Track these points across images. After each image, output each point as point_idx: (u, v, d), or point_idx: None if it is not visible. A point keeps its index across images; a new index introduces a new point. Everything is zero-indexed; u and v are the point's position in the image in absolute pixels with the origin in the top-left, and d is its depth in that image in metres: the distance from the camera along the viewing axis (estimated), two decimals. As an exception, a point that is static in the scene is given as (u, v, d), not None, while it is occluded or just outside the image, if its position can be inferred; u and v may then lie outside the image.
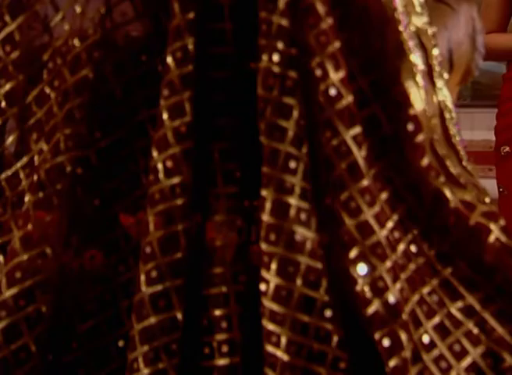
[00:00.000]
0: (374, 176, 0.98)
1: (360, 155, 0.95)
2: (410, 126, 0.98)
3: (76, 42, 1.00)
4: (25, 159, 1.05)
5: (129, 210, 1.04)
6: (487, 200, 1.03)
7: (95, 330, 1.01)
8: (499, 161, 3.08)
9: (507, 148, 3.01)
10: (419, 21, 1.02)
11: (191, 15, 0.97)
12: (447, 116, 1.04)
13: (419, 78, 0.99)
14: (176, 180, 0.95)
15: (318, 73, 0.95)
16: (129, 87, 1.03)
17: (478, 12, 1.37)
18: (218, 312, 0.96)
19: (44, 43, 1.06)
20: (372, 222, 0.94)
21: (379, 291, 0.92)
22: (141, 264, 0.95)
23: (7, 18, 1.06)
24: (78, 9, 1.02)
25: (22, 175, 1.04)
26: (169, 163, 0.95)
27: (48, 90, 1.03)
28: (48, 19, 1.06)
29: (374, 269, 0.92)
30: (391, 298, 0.92)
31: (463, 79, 1.34)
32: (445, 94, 1.04)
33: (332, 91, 0.95)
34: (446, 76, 1.05)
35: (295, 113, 0.95)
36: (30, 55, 1.07)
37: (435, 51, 1.03)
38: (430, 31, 1.04)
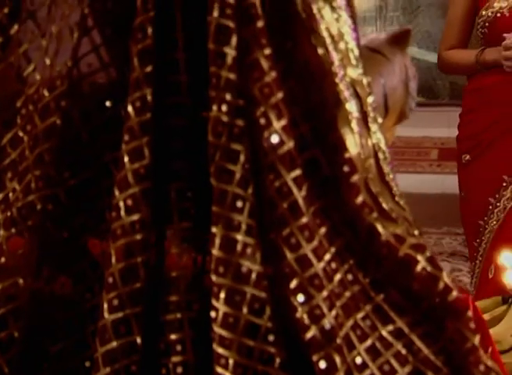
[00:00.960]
0: (314, 213, 1.02)
1: (300, 195, 1.00)
2: (346, 168, 1.03)
3: (46, 92, 1.05)
4: (0, 196, 1.09)
5: (97, 239, 1.08)
6: (416, 232, 1.08)
7: (64, 352, 1.06)
8: (461, 168, 3.15)
9: (468, 157, 3.08)
10: (354, 73, 1.07)
11: (149, 68, 1.02)
12: (381, 156, 1.09)
13: (354, 125, 1.04)
14: (135, 217, 1.00)
15: (262, 121, 1.00)
16: (95, 131, 1.07)
17: (410, 61, 1.41)
18: (173, 337, 1.01)
19: (17, 91, 1.10)
20: (311, 255, 0.99)
21: (316, 318, 0.97)
22: (104, 293, 0.99)
23: None
24: (47, 62, 1.06)
25: None
26: (129, 202, 1.00)
27: (21, 133, 1.08)
28: (21, 69, 1.10)
29: (311, 299, 0.98)
30: (327, 325, 0.97)
31: (398, 120, 1.39)
32: (378, 137, 1.09)
33: (275, 138, 1.00)
34: (380, 120, 1.10)
35: (242, 158, 1.00)
36: (6, 101, 1.11)
37: (370, 99, 1.08)
38: (365, 81, 1.09)
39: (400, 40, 1.36)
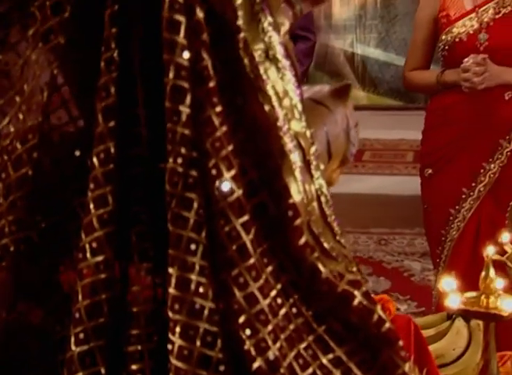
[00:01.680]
0: (261, 253, 1.09)
1: (248, 238, 1.06)
2: (290, 213, 1.09)
3: (18, 145, 1.10)
4: None
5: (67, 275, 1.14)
6: (354, 269, 1.13)
7: (36, 380, 1.11)
8: (424, 182, 3.19)
9: (430, 171, 3.13)
10: (298, 126, 1.13)
11: (112, 123, 1.08)
12: (323, 199, 1.15)
13: (297, 174, 1.10)
14: (99, 258, 1.06)
15: (214, 172, 1.06)
16: (65, 178, 1.13)
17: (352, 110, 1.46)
18: (134, 367, 1.07)
19: None
20: (257, 293, 1.05)
21: (262, 350, 1.03)
22: (72, 327, 1.05)
23: None
24: (21, 116, 1.12)
25: None
26: (94, 244, 1.06)
27: None
28: None
29: (258, 333, 1.04)
30: (271, 356, 1.04)
31: (341, 164, 1.44)
32: (321, 183, 1.15)
33: (225, 187, 1.07)
34: (322, 167, 1.15)
35: (195, 205, 1.06)
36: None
37: (313, 149, 1.14)
38: (308, 133, 1.14)
39: (341, 93, 1.41)
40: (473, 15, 2.95)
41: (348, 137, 1.39)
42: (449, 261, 3.05)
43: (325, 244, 1.12)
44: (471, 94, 2.88)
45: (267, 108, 1.10)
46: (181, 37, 1.07)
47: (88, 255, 1.06)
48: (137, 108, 1.10)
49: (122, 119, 1.09)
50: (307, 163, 1.14)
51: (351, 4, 9.00)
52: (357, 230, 5.70)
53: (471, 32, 2.94)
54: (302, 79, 3.25)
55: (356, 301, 1.10)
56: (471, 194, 3.00)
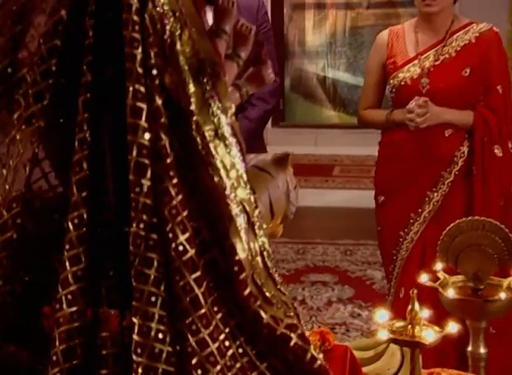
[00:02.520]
0: (212, 302, 1.16)
1: (200, 291, 1.14)
2: (236, 268, 1.16)
3: (5, 212, 1.16)
4: None
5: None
6: (291, 314, 1.21)
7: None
8: (377, 207, 3.23)
9: (382, 198, 3.17)
10: (243, 193, 1.20)
11: (84, 193, 1.14)
12: (265, 254, 1.22)
13: (243, 234, 1.17)
14: (74, 308, 1.13)
15: (171, 235, 1.13)
16: (45, 239, 1.20)
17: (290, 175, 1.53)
18: (104, 401, 1.14)
19: None
20: (208, 339, 1.13)
21: (211, 387, 1.11)
22: (50, 368, 1.12)
23: None
24: (7, 187, 1.18)
25: None
26: (69, 297, 1.13)
27: None
28: None
29: (208, 372, 1.11)
30: (219, 392, 1.11)
31: (282, 221, 1.51)
32: (263, 240, 1.22)
33: (180, 248, 1.13)
34: (264, 226, 1.22)
35: (155, 263, 1.13)
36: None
37: (256, 212, 1.21)
38: (252, 198, 1.21)
39: (282, 161, 1.48)
40: (416, 61, 3.01)
41: (288, 198, 1.45)
42: (399, 277, 3.11)
43: (267, 293, 1.19)
44: (416, 131, 2.91)
45: (216, 179, 1.17)
46: (143, 121, 1.13)
47: (64, 306, 1.13)
48: (106, 180, 1.16)
49: (93, 190, 1.15)
50: (251, 224, 1.20)
51: (323, 32, 9.04)
52: (326, 242, 5.63)
53: (415, 77, 2.99)
54: (270, 115, 3.29)
55: (292, 342, 1.18)
56: (418, 219, 3.05)
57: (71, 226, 1.14)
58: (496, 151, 2.96)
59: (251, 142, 3.12)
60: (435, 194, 3.03)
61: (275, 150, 5.57)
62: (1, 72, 1.20)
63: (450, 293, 1.81)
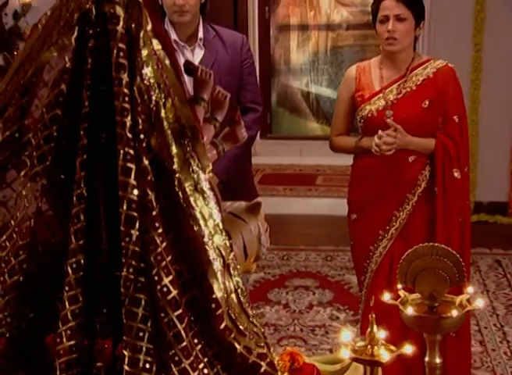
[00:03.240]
0: (193, 335, 1.23)
1: (181, 327, 1.20)
2: (213, 305, 1.23)
3: (12, 258, 1.23)
4: None
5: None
6: (262, 343, 1.27)
7: None
8: (350, 224, 3.23)
9: (355, 216, 3.18)
10: (219, 239, 1.26)
11: (81, 242, 1.21)
12: (239, 291, 1.29)
13: (219, 276, 1.24)
14: (72, 342, 1.19)
15: (156, 278, 1.20)
16: (48, 280, 1.26)
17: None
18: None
19: None
20: (188, 368, 1.20)
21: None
22: None
23: None
24: (14, 236, 1.24)
25: None
26: (68, 332, 1.20)
27: None
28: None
29: (189, 397, 1.18)
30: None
31: (255, 260, 1.57)
32: (238, 279, 1.29)
33: (165, 289, 1.20)
34: (238, 267, 1.29)
35: (143, 303, 1.20)
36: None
37: (231, 255, 1.28)
38: (227, 243, 1.28)
39: (254, 209, 1.53)
40: (381, 95, 3.01)
41: (260, 241, 1.51)
42: (369, 287, 3.12)
43: (241, 326, 1.26)
44: (383, 157, 2.92)
45: (196, 228, 1.24)
46: (132, 179, 1.20)
47: (64, 339, 1.20)
48: (100, 230, 1.22)
49: (89, 239, 1.22)
50: (226, 267, 1.27)
51: (306, 51, 9.04)
52: (308, 248, 5.47)
53: (380, 109, 3.00)
54: (253, 141, 3.32)
55: (262, 369, 1.25)
56: (386, 235, 3.06)
57: (70, 271, 1.21)
58: (455, 174, 2.98)
59: (238, 164, 3.18)
60: (401, 213, 3.05)
61: (264, 160, 5.49)
62: (10, 137, 1.26)
63: (409, 311, 1.86)
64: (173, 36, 3.08)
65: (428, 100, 2.98)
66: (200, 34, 3.10)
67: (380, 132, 2.91)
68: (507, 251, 5.40)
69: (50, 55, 1.23)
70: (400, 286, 1.96)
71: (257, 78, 3.39)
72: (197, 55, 3.09)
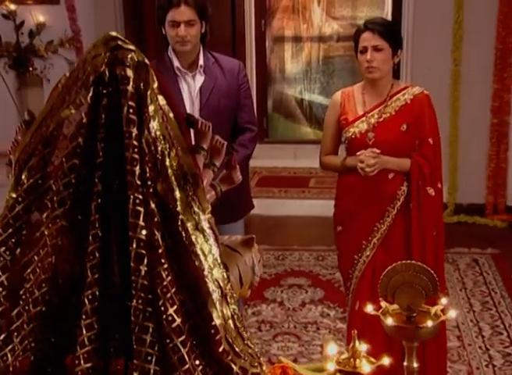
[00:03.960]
0: (194, 357, 1.29)
1: (184, 351, 1.26)
2: (213, 331, 1.30)
3: (36, 290, 1.29)
4: (10, 347, 1.32)
5: None
6: (256, 363, 1.34)
7: None
8: (336, 235, 3.30)
9: (340, 228, 3.25)
10: (218, 272, 1.33)
11: (96, 275, 1.27)
12: (235, 317, 1.35)
13: (217, 305, 1.30)
14: (88, 365, 1.26)
15: (162, 308, 1.26)
16: (67, 310, 1.31)
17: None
18: None
19: (21, 283, 1.34)
20: (191, 387, 1.26)
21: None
22: None
23: None
24: (38, 270, 1.30)
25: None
26: (85, 355, 1.26)
27: (22, 312, 1.31)
28: (24, 272, 1.34)
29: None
30: None
31: (249, 287, 1.63)
32: (234, 307, 1.35)
33: (170, 318, 1.26)
34: (235, 295, 1.36)
35: (151, 330, 1.26)
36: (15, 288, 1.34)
37: (228, 286, 1.34)
38: (225, 275, 1.34)
39: (248, 243, 1.59)
40: (363, 119, 3.09)
41: (253, 271, 1.58)
42: (354, 292, 3.18)
43: (237, 349, 1.32)
44: (365, 175, 3.04)
45: (197, 263, 1.30)
46: (141, 221, 1.26)
47: (82, 362, 1.26)
48: (113, 266, 1.29)
49: (103, 273, 1.29)
50: (224, 296, 1.33)
51: (300, 61, 9.08)
52: (302, 248, 5.48)
53: (363, 131, 3.07)
54: (249, 158, 3.37)
55: (256, 388, 1.32)
56: (369, 245, 3.12)
57: (86, 301, 1.27)
58: (429, 191, 3.05)
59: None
60: (382, 225, 3.11)
61: (261, 163, 5.52)
62: (34, 183, 1.32)
63: (389, 321, 1.93)
64: (176, 63, 3.15)
65: (406, 124, 3.06)
66: (201, 62, 3.16)
67: (362, 156, 3.00)
68: (484, 251, 5.47)
69: (69, 112, 1.29)
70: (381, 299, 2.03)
71: (253, 101, 3.44)
72: (197, 81, 3.16)
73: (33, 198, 1.32)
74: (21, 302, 1.32)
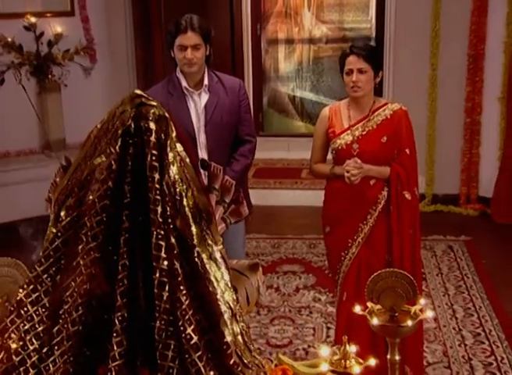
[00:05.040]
0: (209, 369, 1.35)
1: (201, 365, 1.33)
2: (225, 347, 1.36)
3: (73, 312, 1.35)
4: (52, 359, 1.39)
5: None
6: (262, 373, 1.41)
7: None
8: (324, 235, 3.38)
9: (328, 228, 3.33)
10: (228, 295, 1.39)
11: (125, 300, 1.33)
12: (244, 333, 1.41)
13: (228, 324, 1.37)
14: None
15: (182, 328, 1.32)
16: (100, 328, 1.37)
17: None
18: None
19: (61, 303, 1.40)
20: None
21: None
22: None
23: None
24: (75, 295, 1.36)
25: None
26: (116, 368, 1.31)
27: (62, 329, 1.36)
28: (65, 295, 1.40)
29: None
30: None
31: (255, 305, 1.69)
32: (242, 324, 1.41)
33: (188, 336, 1.32)
34: (243, 313, 1.42)
35: (172, 347, 1.32)
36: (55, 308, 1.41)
37: (237, 306, 1.41)
38: (234, 296, 1.41)
39: (254, 267, 1.66)
40: (349, 132, 3.17)
41: (259, 292, 1.65)
42: (342, 285, 3.26)
43: (245, 361, 1.39)
44: (351, 183, 3.12)
45: (211, 288, 1.37)
46: (162, 253, 1.33)
47: (113, 374, 1.33)
48: (139, 291, 1.35)
49: (130, 298, 1.35)
50: (234, 315, 1.40)
51: (292, 62, 9.09)
52: (295, 237, 5.52)
53: (348, 143, 3.16)
54: (249, 167, 3.43)
55: (261, 395, 1.39)
56: (354, 243, 3.20)
57: (116, 321, 1.33)
58: (406, 195, 3.14)
59: (235, 187, 3.31)
60: (366, 225, 3.20)
61: (257, 155, 5.60)
62: (71, 220, 1.38)
63: (374, 321, 2.02)
64: (184, 83, 3.21)
65: (386, 136, 3.15)
66: (206, 81, 3.22)
67: (347, 167, 3.09)
68: (458, 238, 5.56)
69: (100, 159, 1.36)
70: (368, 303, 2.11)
71: (252, 115, 3.51)
72: (203, 99, 3.22)
73: (70, 233, 1.38)
74: (60, 321, 1.37)
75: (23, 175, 5.73)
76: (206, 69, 3.22)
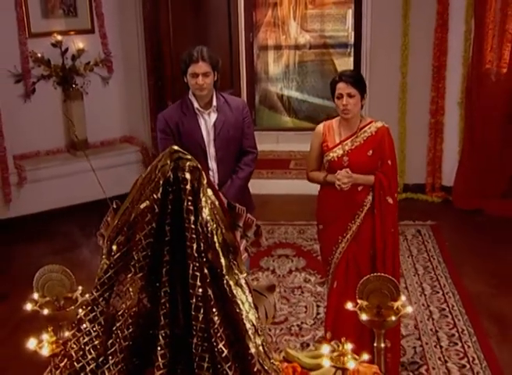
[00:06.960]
0: None
1: (231, 373, 1.38)
2: (250, 357, 1.41)
3: (125, 330, 1.40)
4: (106, 366, 1.44)
5: None
6: None
7: None
8: (318, 232, 3.41)
9: (321, 226, 3.36)
10: (252, 314, 1.44)
11: (167, 320, 1.38)
12: (264, 344, 1.47)
13: (252, 338, 1.42)
14: None
15: (215, 343, 1.37)
16: (147, 342, 1.41)
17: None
18: None
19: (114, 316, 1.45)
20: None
21: None
22: None
23: None
24: (125, 315, 1.42)
25: None
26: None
27: (115, 343, 1.42)
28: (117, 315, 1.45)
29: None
30: None
31: (272, 318, 1.75)
32: (263, 338, 1.47)
33: (220, 350, 1.37)
34: (263, 327, 1.48)
35: (207, 359, 1.37)
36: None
37: (258, 322, 1.46)
38: (256, 314, 1.46)
39: (271, 288, 1.72)
40: (340, 146, 3.20)
41: (275, 308, 1.71)
42: (333, 275, 3.32)
43: (266, 367, 1.44)
44: (341, 189, 3.17)
45: (238, 310, 1.41)
46: (198, 282, 1.36)
47: None
48: (178, 312, 1.39)
49: (171, 318, 1.39)
50: (256, 330, 1.46)
51: (280, 65, 9.10)
52: (286, 223, 5.44)
53: (339, 156, 3.19)
54: (252, 174, 3.46)
55: (280, 394, 1.45)
56: (343, 239, 3.24)
57: (160, 337, 1.38)
58: (388, 200, 3.19)
59: (242, 191, 3.38)
60: (353, 225, 3.24)
61: None
62: (122, 254, 1.43)
63: (363, 316, 2.09)
64: (195, 104, 3.24)
65: (372, 150, 3.19)
66: (214, 102, 3.26)
67: (339, 175, 3.13)
68: (425, 222, 5.61)
69: (145, 204, 1.41)
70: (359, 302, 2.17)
71: (253, 129, 3.53)
72: (212, 118, 3.26)
73: (121, 265, 1.43)
74: (113, 336, 1.43)
75: (52, 171, 5.75)
76: (214, 92, 3.26)
